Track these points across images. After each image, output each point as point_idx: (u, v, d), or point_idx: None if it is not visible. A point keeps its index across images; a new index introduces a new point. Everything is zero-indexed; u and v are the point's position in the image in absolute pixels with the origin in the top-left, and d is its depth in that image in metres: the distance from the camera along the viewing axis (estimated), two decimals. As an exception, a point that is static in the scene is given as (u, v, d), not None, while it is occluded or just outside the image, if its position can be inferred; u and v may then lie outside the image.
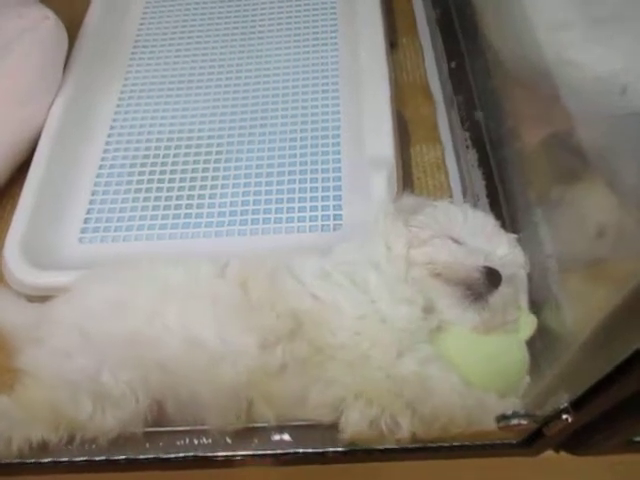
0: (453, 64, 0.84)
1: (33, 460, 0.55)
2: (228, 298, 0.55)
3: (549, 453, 0.59)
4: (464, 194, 0.74)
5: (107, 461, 0.55)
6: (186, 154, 0.81)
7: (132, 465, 0.56)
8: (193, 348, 0.53)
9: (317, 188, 0.75)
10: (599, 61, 0.63)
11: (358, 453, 0.54)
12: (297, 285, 0.56)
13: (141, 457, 0.55)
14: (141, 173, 0.80)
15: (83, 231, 0.75)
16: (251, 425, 0.54)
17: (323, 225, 0.72)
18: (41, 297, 0.65)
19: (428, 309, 0.56)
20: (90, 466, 0.55)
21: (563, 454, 0.58)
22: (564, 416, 0.42)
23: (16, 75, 0.77)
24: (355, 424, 0.50)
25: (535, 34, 0.70)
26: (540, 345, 0.55)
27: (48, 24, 0.80)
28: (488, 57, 0.79)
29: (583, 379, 0.41)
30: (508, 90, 0.76)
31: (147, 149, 0.82)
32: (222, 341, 0.53)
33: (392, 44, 0.91)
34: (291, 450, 0.55)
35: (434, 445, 0.55)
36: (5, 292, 0.68)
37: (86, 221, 0.76)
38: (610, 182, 0.57)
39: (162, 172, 0.79)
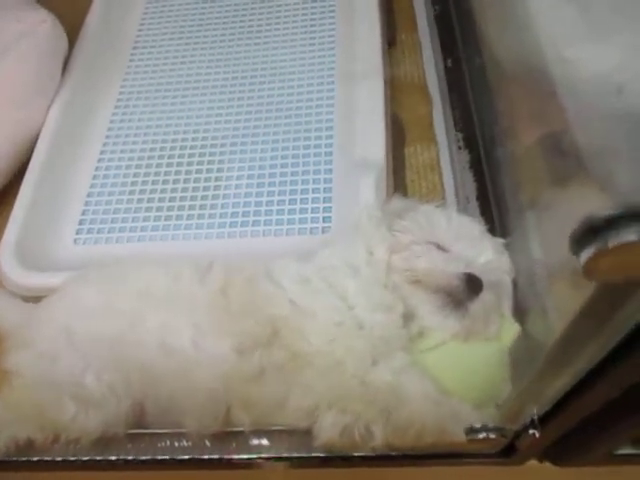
0: (449, 62, 0.82)
1: (19, 458, 0.56)
2: (207, 303, 0.56)
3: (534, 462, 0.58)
4: (457, 196, 0.73)
5: (90, 461, 0.57)
6: (180, 156, 0.81)
7: (114, 465, 0.57)
8: (169, 353, 0.53)
9: (308, 190, 0.74)
10: (595, 59, 0.61)
11: (335, 459, 0.54)
12: (276, 290, 0.56)
13: (123, 458, 0.56)
14: (137, 175, 0.80)
15: (78, 232, 0.76)
16: (230, 429, 0.55)
17: (312, 228, 0.71)
18: (36, 298, 0.67)
19: (408, 316, 0.55)
20: (74, 465, 0.57)
21: (547, 464, 0.58)
22: (531, 431, 0.42)
23: (13, 78, 0.78)
24: (328, 431, 0.50)
25: (533, 31, 0.68)
26: (522, 354, 0.54)
27: (46, 27, 0.81)
28: (484, 55, 0.77)
29: (551, 393, 0.40)
30: (503, 89, 0.74)
31: (143, 151, 0.82)
32: (197, 346, 0.53)
33: (390, 42, 0.90)
34: (270, 454, 0.55)
35: (414, 453, 0.54)
36: (0, 292, 0.69)
37: (81, 222, 0.77)
38: (604, 185, 0.55)
39: (157, 174, 0.80)
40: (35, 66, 0.81)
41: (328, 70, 0.87)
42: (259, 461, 0.55)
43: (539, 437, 0.42)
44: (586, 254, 0.27)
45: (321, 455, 0.54)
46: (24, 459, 0.57)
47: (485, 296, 0.54)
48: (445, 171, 0.76)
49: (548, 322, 0.53)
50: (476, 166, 0.71)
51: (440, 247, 0.57)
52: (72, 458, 0.56)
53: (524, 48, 0.70)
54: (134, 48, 0.96)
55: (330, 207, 0.73)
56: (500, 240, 0.60)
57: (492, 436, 0.45)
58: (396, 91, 0.85)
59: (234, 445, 0.55)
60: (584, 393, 0.37)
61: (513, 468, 0.58)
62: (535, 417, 0.41)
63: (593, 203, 0.55)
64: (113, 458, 0.56)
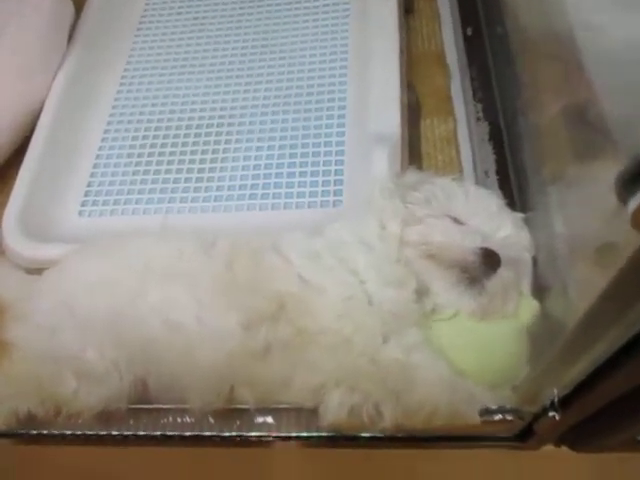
0: (469, 31, 0.78)
1: (19, 431, 0.55)
2: (212, 277, 0.54)
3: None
4: (474, 170, 0.69)
5: (91, 435, 0.55)
6: (187, 127, 0.78)
7: (115, 440, 0.55)
8: (172, 328, 0.51)
9: (319, 162, 0.72)
10: (624, 25, 0.57)
11: (341, 440, 0.52)
12: (284, 265, 0.54)
13: (124, 433, 0.55)
14: (143, 146, 0.78)
15: (83, 204, 0.74)
16: (234, 406, 0.53)
17: (323, 201, 0.69)
18: (39, 270, 0.65)
19: (421, 292, 0.53)
20: (75, 439, 0.55)
21: (564, 449, 0.55)
22: (551, 413, 0.39)
23: (18, 49, 0.76)
24: (335, 411, 0.48)
25: (559, -4, 0.65)
26: (542, 334, 0.51)
27: (52, -3, 0.78)
28: (507, 23, 0.73)
29: (572, 375, 0.37)
30: (526, 58, 0.70)
31: (150, 122, 0.80)
32: (201, 321, 0.51)
33: (408, 10, 0.86)
34: (275, 433, 0.53)
35: (424, 435, 0.52)
36: (3, 264, 0.68)
37: (86, 194, 0.75)
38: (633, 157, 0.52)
39: (163, 145, 0.77)
40: (41, 36, 0.79)
41: (341, 39, 0.83)
42: (263, 439, 0.53)
43: (559, 420, 0.39)
44: (636, 201, 0.23)
45: (328, 435, 0.52)
46: (23, 432, 0.55)
47: (503, 272, 0.52)
48: (463, 144, 0.73)
49: (570, 300, 0.50)
50: (495, 138, 0.67)
51: (456, 221, 0.54)
52: (73, 432, 0.55)
53: (548, 14, 0.66)
54: (142, 17, 0.93)
55: (341, 180, 0.70)
56: (519, 215, 0.58)
57: (509, 418, 0.42)
58: (413, 62, 0.82)
59: (238, 423, 0.54)
60: (610, 375, 0.35)
61: (528, 453, 0.56)
62: (555, 399, 0.39)
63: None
64: (115, 433, 0.55)
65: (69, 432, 0.55)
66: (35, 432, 0.55)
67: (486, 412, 0.43)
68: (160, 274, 0.54)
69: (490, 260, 0.51)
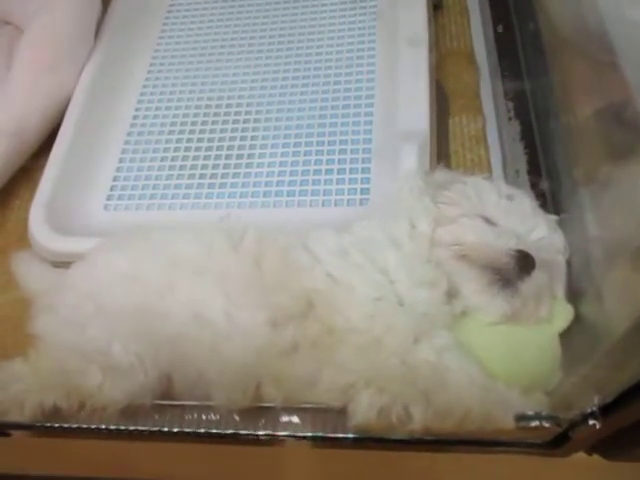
0: (500, 28, 0.77)
1: (45, 424, 0.55)
2: (240, 274, 0.53)
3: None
4: (504, 170, 0.68)
5: (116, 430, 0.55)
6: (214, 122, 0.78)
7: (140, 435, 0.55)
8: (200, 324, 0.51)
9: (345, 160, 0.71)
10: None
11: (368, 441, 0.51)
12: (312, 263, 0.53)
13: (149, 428, 0.54)
14: (169, 141, 0.78)
15: (109, 198, 0.74)
16: (260, 404, 0.52)
17: (349, 199, 0.68)
18: (65, 263, 0.65)
19: (452, 293, 0.52)
20: (99, 434, 0.55)
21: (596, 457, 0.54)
22: (591, 422, 0.38)
23: (46, 41, 0.76)
24: (364, 412, 0.47)
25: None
26: (576, 339, 0.50)
27: (79, -12, 0.78)
28: (539, 20, 0.71)
29: (616, 382, 0.36)
30: (559, 56, 0.69)
31: (176, 117, 0.80)
32: (230, 318, 0.50)
33: (437, 5, 0.85)
34: (299, 433, 0.52)
35: (452, 439, 0.51)
36: (30, 257, 0.68)
37: (112, 188, 0.75)
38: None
39: (189, 140, 0.77)
40: (69, 28, 0.79)
41: (369, 35, 0.82)
42: (289, 439, 0.52)
43: (599, 429, 0.38)
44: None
45: (354, 436, 0.51)
46: (49, 425, 0.55)
47: (537, 276, 0.50)
48: (492, 143, 0.71)
49: (605, 305, 0.49)
50: (527, 138, 0.66)
51: (489, 221, 0.53)
52: (98, 426, 0.54)
53: (582, 10, 0.65)
54: (168, 11, 0.92)
55: (368, 178, 0.69)
56: (553, 217, 0.56)
57: (546, 425, 0.41)
58: (441, 59, 0.81)
59: (263, 421, 0.53)
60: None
61: (556, 459, 0.54)
62: (596, 407, 0.37)
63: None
64: (139, 428, 0.54)
65: (94, 426, 0.55)
66: (60, 425, 0.55)
67: (522, 418, 0.42)
68: (188, 269, 0.54)
69: (524, 262, 0.50)
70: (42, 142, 0.77)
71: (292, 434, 0.52)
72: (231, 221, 0.68)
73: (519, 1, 0.77)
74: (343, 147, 0.72)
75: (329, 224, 0.58)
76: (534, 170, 0.63)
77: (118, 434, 0.55)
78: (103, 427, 0.55)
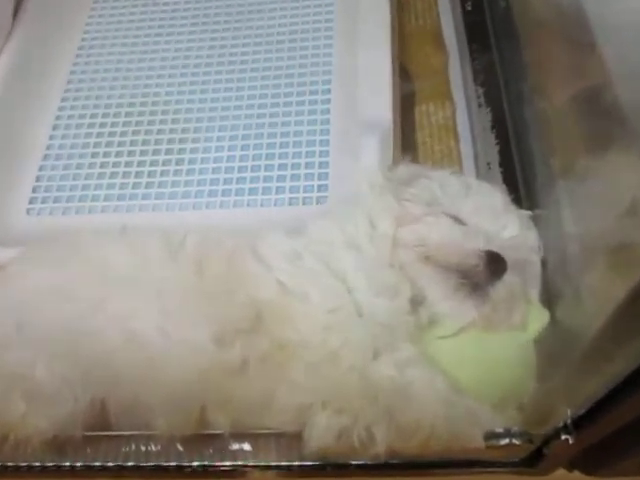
0: (469, 5, 0.78)
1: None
2: (179, 284, 0.53)
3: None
4: (476, 162, 0.69)
5: (42, 467, 0.54)
6: (151, 113, 0.78)
7: (71, 472, 0.54)
8: (133, 343, 0.50)
9: (300, 154, 0.71)
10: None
11: (329, 468, 0.51)
12: (261, 269, 0.53)
13: (80, 464, 0.54)
14: (100, 135, 0.77)
15: (32, 201, 0.73)
16: (206, 432, 0.52)
17: (305, 198, 0.68)
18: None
19: (417, 300, 0.52)
20: (21, 472, 0.54)
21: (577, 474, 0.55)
22: (564, 436, 0.39)
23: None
24: (322, 435, 0.47)
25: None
26: (552, 347, 0.51)
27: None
28: (511, -4, 0.73)
29: (588, 393, 0.37)
30: (533, 37, 0.70)
31: (108, 107, 0.79)
32: (166, 335, 0.50)
33: (400, -18, 0.86)
34: (251, 462, 0.52)
35: (421, 460, 0.52)
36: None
37: (35, 190, 0.74)
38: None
39: (123, 134, 0.77)
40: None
41: (326, 14, 0.83)
42: (239, 469, 0.52)
43: (573, 443, 0.39)
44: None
45: (312, 463, 0.51)
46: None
47: (509, 278, 0.52)
48: (462, 133, 0.73)
49: (583, 308, 0.51)
50: (499, 127, 0.68)
51: (457, 220, 0.54)
52: (18, 464, 0.53)
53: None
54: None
55: (326, 174, 0.69)
56: (527, 212, 0.58)
57: (516, 442, 0.42)
58: (405, 40, 0.82)
59: (211, 451, 0.53)
60: (630, 393, 0.34)
61: (538, 477, 0.56)
62: (569, 420, 0.39)
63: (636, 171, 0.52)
64: (68, 464, 0.53)
65: (16, 464, 0.54)
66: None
67: (492, 436, 0.43)
68: (119, 281, 0.53)
69: (495, 264, 0.51)
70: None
71: (243, 464, 0.52)
72: (171, 224, 0.68)
73: (489, -24, 0.79)
74: (298, 139, 0.72)
75: (283, 225, 0.59)
76: (506, 162, 0.65)
77: (44, 471, 0.54)
78: (25, 464, 0.54)
